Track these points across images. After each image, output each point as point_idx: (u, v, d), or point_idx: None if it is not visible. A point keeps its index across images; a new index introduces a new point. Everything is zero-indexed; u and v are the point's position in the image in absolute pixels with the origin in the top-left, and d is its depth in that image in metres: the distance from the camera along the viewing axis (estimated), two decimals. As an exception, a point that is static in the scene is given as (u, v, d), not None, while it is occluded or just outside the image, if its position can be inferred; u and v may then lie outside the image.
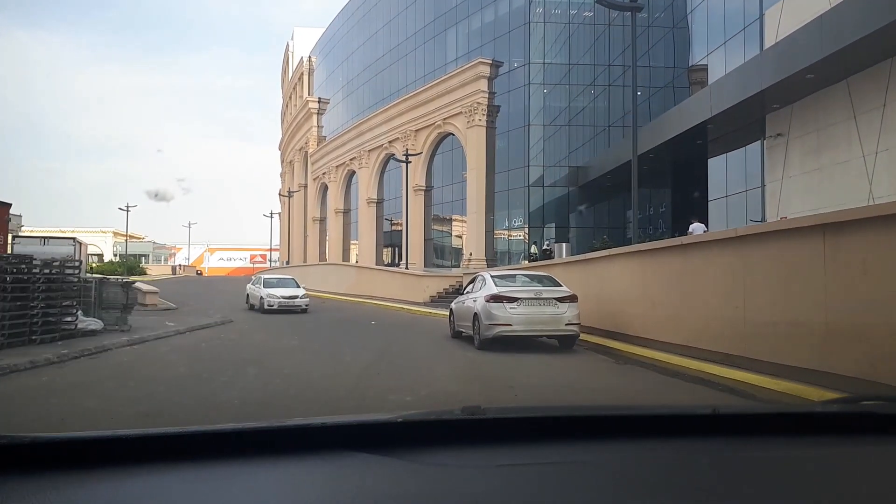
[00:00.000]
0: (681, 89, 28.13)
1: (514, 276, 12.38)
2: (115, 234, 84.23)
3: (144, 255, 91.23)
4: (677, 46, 29.77)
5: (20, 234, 25.30)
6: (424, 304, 25.34)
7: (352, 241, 48.91)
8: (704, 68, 24.81)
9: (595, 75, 31.34)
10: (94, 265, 55.95)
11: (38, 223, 58.45)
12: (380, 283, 30.90)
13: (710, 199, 21.91)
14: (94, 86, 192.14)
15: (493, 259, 32.61)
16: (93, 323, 10.72)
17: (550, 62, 32.20)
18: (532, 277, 12.19)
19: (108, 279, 11.81)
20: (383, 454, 1.25)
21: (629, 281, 11.37)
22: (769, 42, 17.62)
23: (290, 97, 65.42)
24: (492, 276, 11.65)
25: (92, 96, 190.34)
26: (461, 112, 34.04)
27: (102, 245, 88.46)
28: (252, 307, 23.04)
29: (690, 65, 27.66)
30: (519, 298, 10.54)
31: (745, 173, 20.03)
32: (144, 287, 25.17)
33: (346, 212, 49.63)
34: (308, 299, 22.12)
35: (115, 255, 78.21)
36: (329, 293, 33.01)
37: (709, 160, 22.31)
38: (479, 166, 32.93)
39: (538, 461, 1.29)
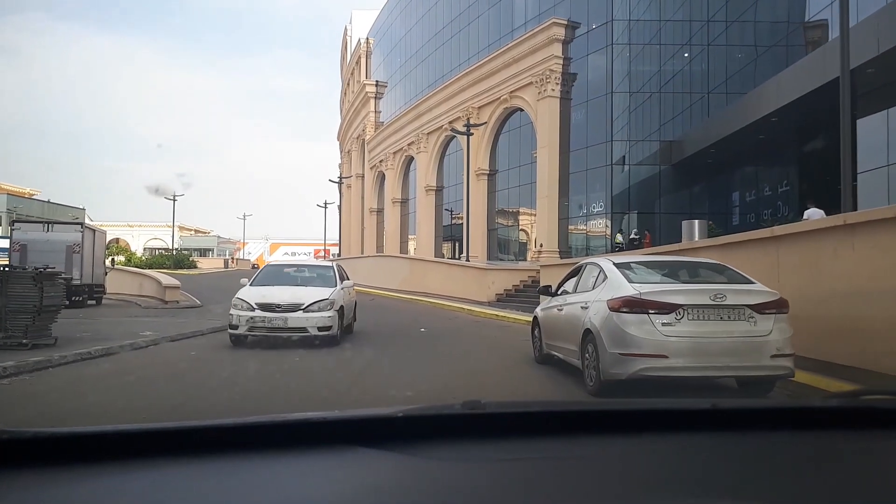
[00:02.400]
0: (795, 48, 23.20)
1: (654, 263, 7.29)
2: (181, 228, 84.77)
3: (210, 249, 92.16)
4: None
5: (22, 219, 22.56)
6: (489, 304, 21.36)
7: (410, 236, 45.31)
8: (823, 24, 20.17)
9: (691, 33, 26.34)
10: (142, 258, 54.53)
11: (104, 218, 58.30)
12: (436, 278, 26.98)
13: (858, 171, 16.85)
14: (157, 89, 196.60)
15: (566, 251, 28.13)
16: (-29, 337, 7.13)
17: (637, 19, 27.35)
18: (688, 266, 7.13)
19: (21, 270, 8.22)
20: (384, 448, 1.24)
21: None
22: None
23: (348, 83, 62.35)
24: (616, 265, 6.75)
25: (155, 98, 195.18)
26: (531, 83, 29.56)
27: (167, 239, 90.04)
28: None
29: (806, 20, 22.92)
30: (680, 305, 5.69)
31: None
32: (164, 280, 22.14)
33: (404, 201, 46.01)
34: (331, 313, 10.38)
35: (178, 248, 78.23)
36: (379, 289, 29.41)
37: (857, 121, 17.18)
38: (552, 143, 28.39)
39: (538, 455, 1.28)
